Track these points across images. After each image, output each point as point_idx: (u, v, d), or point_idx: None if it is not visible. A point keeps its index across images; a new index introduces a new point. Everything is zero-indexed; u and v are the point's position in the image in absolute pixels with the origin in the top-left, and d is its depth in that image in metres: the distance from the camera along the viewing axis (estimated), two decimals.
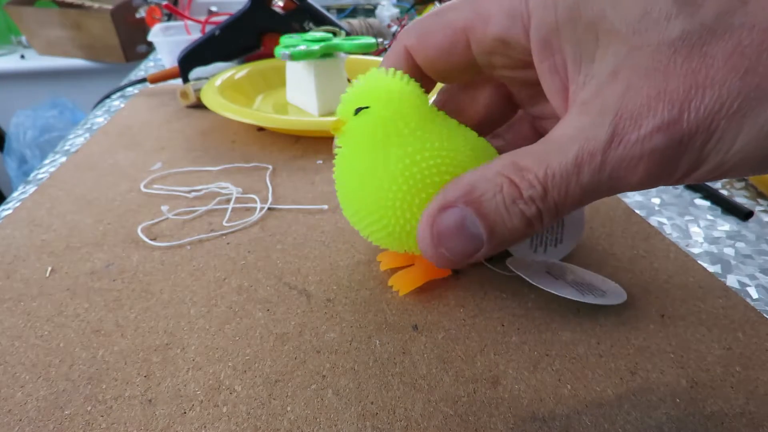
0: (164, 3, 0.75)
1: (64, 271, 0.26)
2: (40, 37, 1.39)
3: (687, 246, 0.29)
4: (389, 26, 0.77)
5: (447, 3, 0.19)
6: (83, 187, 0.34)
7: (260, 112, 0.41)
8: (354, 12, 0.97)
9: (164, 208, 0.31)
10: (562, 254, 0.26)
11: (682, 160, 0.13)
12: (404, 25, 0.75)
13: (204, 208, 0.31)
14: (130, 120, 0.48)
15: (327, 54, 0.45)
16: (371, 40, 0.45)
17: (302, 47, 0.43)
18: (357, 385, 0.19)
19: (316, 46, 0.44)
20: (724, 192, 0.35)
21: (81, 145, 0.42)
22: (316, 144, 0.42)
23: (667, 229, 0.31)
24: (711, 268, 0.27)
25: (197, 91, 0.49)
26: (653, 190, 0.35)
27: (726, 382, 0.20)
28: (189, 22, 0.69)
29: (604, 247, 0.28)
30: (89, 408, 0.19)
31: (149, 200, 0.33)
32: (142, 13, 0.78)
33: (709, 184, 0.35)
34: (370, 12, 0.97)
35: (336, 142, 0.21)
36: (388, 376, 0.20)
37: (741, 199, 0.34)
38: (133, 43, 1.37)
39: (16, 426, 0.18)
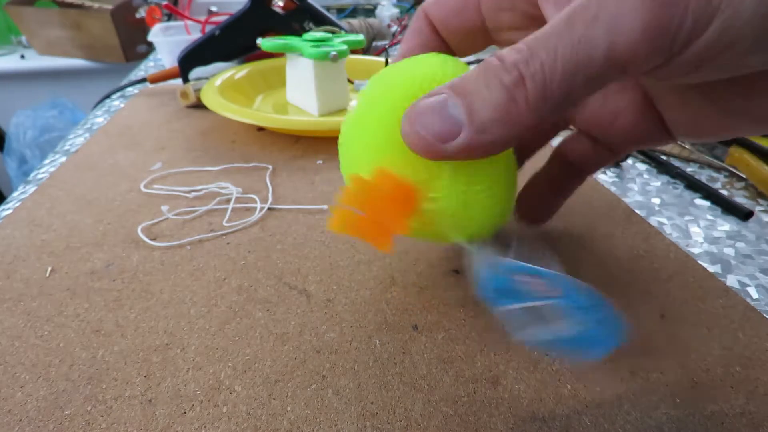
0: (164, 3, 0.75)
1: (64, 271, 0.26)
2: (40, 37, 1.39)
3: (687, 246, 0.29)
4: (389, 26, 0.77)
5: None
6: (83, 187, 0.34)
7: (260, 112, 0.41)
8: (354, 12, 0.97)
9: (164, 208, 0.31)
10: None
11: (686, 14, 0.12)
12: (405, 26, 0.75)
13: (204, 208, 0.31)
14: (130, 120, 0.48)
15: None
16: (359, 37, 0.47)
17: (280, 41, 0.45)
18: (357, 385, 0.19)
19: (281, 41, 0.46)
20: (724, 192, 0.35)
21: (81, 145, 0.42)
22: (316, 144, 0.42)
23: (667, 229, 0.31)
24: (711, 268, 0.27)
25: (197, 91, 0.49)
26: (653, 189, 0.35)
27: (726, 382, 0.20)
28: (189, 22, 0.69)
29: (604, 247, 0.28)
30: (89, 408, 0.19)
31: (149, 200, 0.33)
32: (142, 13, 0.78)
33: (709, 184, 0.35)
34: (370, 12, 0.97)
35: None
36: (388, 376, 0.20)
37: (741, 199, 0.34)
38: (133, 43, 1.37)
39: (16, 426, 0.18)
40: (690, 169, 0.38)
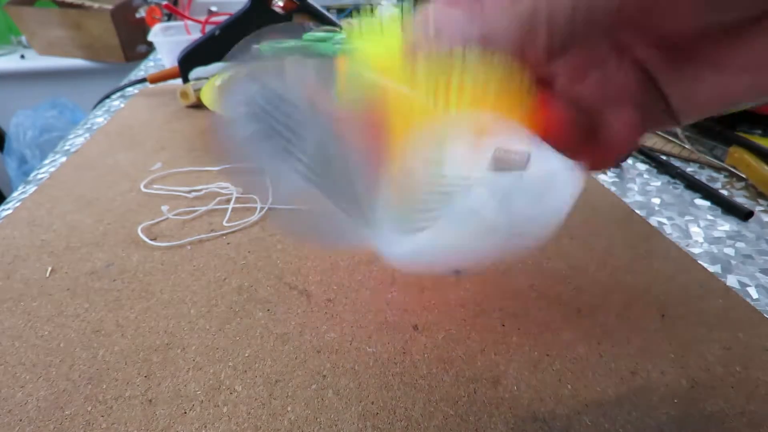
0: (164, 3, 0.75)
1: (64, 271, 0.26)
2: (40, 37, 1.39)
3: (687, 246, 0.29)
4: None
5: None
6: (83, 187, 0.34)
7: None
8: (354, 12, 0.97)
9: (164, 208, 0.31)
10: None
11: None
12: None
13: (204, 208, 0.31)
14: (130, 120, 0.48)
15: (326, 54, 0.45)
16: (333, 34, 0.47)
17: (277, 44, 0.44)
18: (357, 385, 0.19)
19: (291, 43, 0.44)
20: (724, 192, 0.35)
21: (81, 145, 0.42)
22: None
23: (667, 229, 0.31)
24: (711, 268, 0.27)
25: (197, 91, 0.49)
26: (653, 189, 0.35)
27: (726, 382, 0.20)
28: (189, 22, 0.69)
29: (604, 247, 0.28)
30: (89, 408, 0.19)
31: (149, 200, 0.33)
32: (142, 13, 0.78)
33: (709, 184, 0.35)
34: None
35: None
36: (389, 376, 0.20)
37: (741, 199, 0.34)
38: (133, 43, 1.37)
39: (17, 426, 0.18)
40: (690, 169, 0.38)
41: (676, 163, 0.39)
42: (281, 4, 0.54)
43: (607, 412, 0.18)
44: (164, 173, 0.36)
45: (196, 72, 0.53)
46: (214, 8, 0.72)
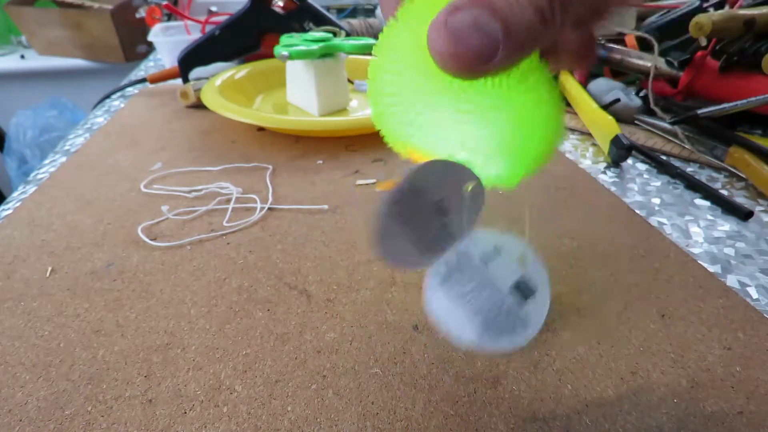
0: (164, 3, 0.75)
1: (64, 271, 0.26)
2: (40, 37, 1.39)
3: (687, 246, 0.29)
4: None
5: None
6: (83, 187, 0.34)
7: (260, 112, 0.41)
8: (354, 12, 0.97)
9: (164, 208, 0.31)
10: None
11: None
12: None
13: (204, 208, 0.31)
14: (130, 120, 0.48)
15: (327, 54, 0.45)
16: (371, 40, 0.45)
17: (301, 47, 0.43)
18: (357, 385, 0.19)
19: (315, 46, 0.44)
20: (724, 192, 0.35)
21: (81, 145, 0.42)
22: (316, 144, 0.42)
23: (667, 229, 0.31)
24: (711, 268, 0.27)
25: (197, 91, 0.49)
26: (653, 189, 0.35)
27: (726, 382, 0.20)
28: (189, 22, 0.69)
29: (604, 247, 0.28)
30: (90, 408, 0.19)
31: (149, 200, 0.33)
32: (142, 13, 0.78)
33: (709, 184, 0.35)
34: (370, 12, 0.97)
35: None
36: (389, 376, 0.20)
37: (741, 199, 0.34)
38: (133, 43, 1.37)
39: (17, 426, 0.18)
40: (690, 169, 0.38)
41: (676, 163, 0.39)
42: (281, 4, 0.54)
43: (607, 412, 0.18)
44: (164, 173, 0.36)
45: (196, 72, 0.53)
46: (214, 8, 0.72)
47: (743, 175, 0.36)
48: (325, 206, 0.32)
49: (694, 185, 0.35)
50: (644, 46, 0.49)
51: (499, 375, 0.20)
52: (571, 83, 0.49)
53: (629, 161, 0.40)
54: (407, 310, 0.23)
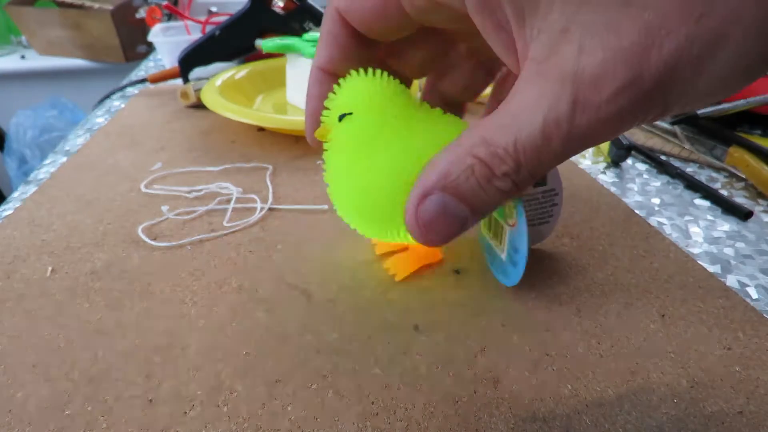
0: (164, 3, 0.75)
1: (64, 271, 0.26)
2: (40, 37, 1.39)
3: (687, 246, 0.29)
4: None
5: None
6: (83, 187, 0.34)
7: (260, 112, 0.41)
8: None
9: (164, 208, 0.31)
10: (554, 225, 0.26)
11: (648, 113, 0.13)
12: None
13: (204, 208, 0.31)
14: (130, 120, 0.48)
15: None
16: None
17: (277, 41, 0.45)
18: (358, 386, 0.19)
19: (290, 41, 0.45)
20: (724, 192, 0.35)
21: (81, 145, 0.42)
22: None
23: (667, 229, 0.31)
24: (711, 268, 0.27)
25: (197, 91, 0.49)
26: (653, 189, 0.35)
27: (726, 382, 0.20)
28: (189, 22, 0.69)
29: (604, 247, 0.28)
30: (90, 408, 0.19)
31: (149, 200, 0.33)
32: (142, 13, 0.78)
33: (708, 184, 0.35)
34: None
35: (324, 146, 0.22)
36: (389, 377, 0.20)
37: (741, 199, 0.34)
38: (133, 43, 1.37)
39: (17, 426, 0.18)
40: (690, 169, 0.38)
41: (676, 163, 0.39)
42: (281, 4, 0.54)
43: (607, 412, 0.18)
44: (164, 173, 0.36)
45: (196, 72, 0.53)
46: (214, 8, 0.72)
47: (743, 175, 0.36)
48: (326, 206, 0.32)
49: (694, 185, 0.35)
50: None
51: (499, 375, 0.20)
52: None
53: (629, 161, 0.40)
54: (408, 310, 0.23)
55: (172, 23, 0.71)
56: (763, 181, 0.34)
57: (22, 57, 1.47)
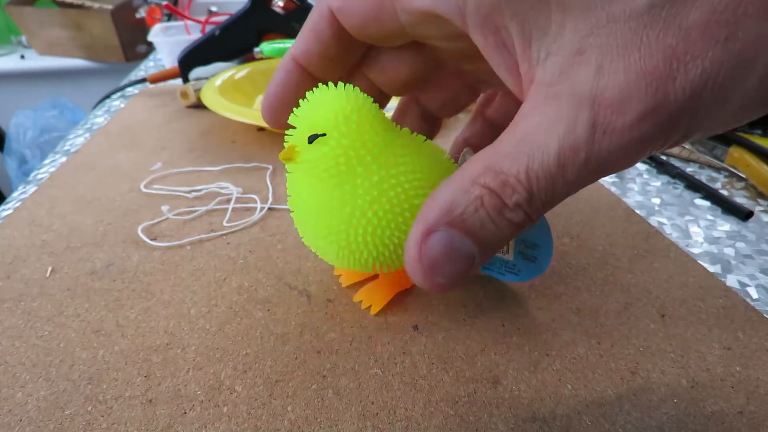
0: (164, 3, 0.75)
1: (64, 271, 0.26)
2: (40, 37, 1.39)
3: (687, 246, 0.29)
4: None
5: None
6: (83, 187, 0.34)
7: (260, 112, 0.41)
8: None
9: (164, 208, 0.31)
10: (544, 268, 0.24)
11: (669, 138, 0.13)
12: None
13: (204, 208, 0.31)
14: (130, 120, 0.48)
15: None
16: None
17: (277, 44, 0.44)
18: (357, 385, 0.19)
19: (290, 44, 0.44)
20: (724, 192, 0.35)
21: (81, 145, 0.42)
22: None
23: (667, 229, 0.31)
24: (711, 268, 0.27)
25: (197, 91, 0.49)
26: (653, 189, 0.35)
27: (726, 382, 0.20)
28: (189, 22, 0.69)
29: (604, 247, 0.28)
30: (90, 408, 0.19)
31: (149, 200, 0.33)
32: (142, 13, 0.78)
33: (709, 184, 0.35)
34: None
35: (288, 167, 0.20)
36: (389, 376, 0.20)
37: (741, 199, 0.34)
38: (133, 43, 1.37)
39: (17, 426, 0.18)
40: (690, 169, 0.38)
41: (676, 163, 0.39)
42: (281, 4, 0.54)
43: (607, 412, 0.18)
44: (164, 173, 0.36)
45: (196, 72, 0.53)
46: (214, 8, 0.72)
47: (743, 175, 0.36)
48: None
49: (694, 185, 0.35)
50: None
51: (499, 375, 0.20)
52: None
53: None
54: (407, 311, 0.23)
55: (172, 23, 0.71)
56: (763, 181, 0.34)
57: (22, 57, 1.47)
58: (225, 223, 0.30)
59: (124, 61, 1.37)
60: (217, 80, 0.49)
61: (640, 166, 0.39)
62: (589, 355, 0.21)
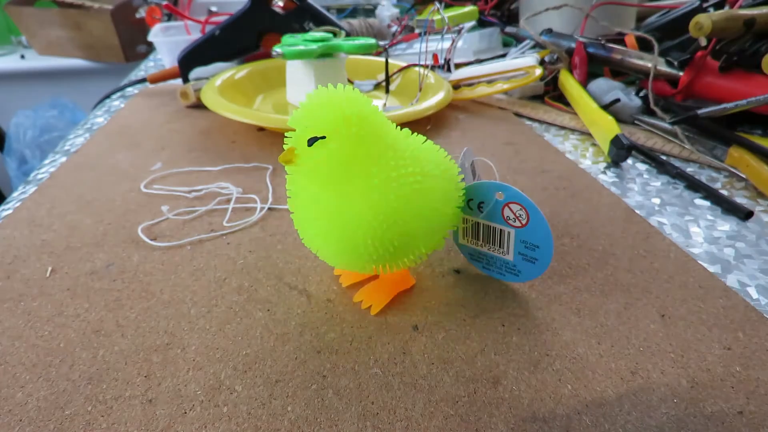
0: (164, 3, 0.75)
1: (64, 271, 0.26)
2: (40, 37, 1.39)
3: (687, 246, 0.29)
4: (389, 26, 0.76)
5: None
6: (83, 187, 0.34)
7: (260, 112, 0.41)
8: (354, 12, 0.97)
9: (164, 208, 0.31)
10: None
11: None
12: (405, 26, 0.75)
13: (204, 208, 0.31)
14: (130, 120, 0.48)
15: (326, 54, 0.45)
16: (371, 40, 0.45)
17: (300, 47, 0.43)
18: (357, 385, 0.19)
19: (314, 46, 0.44)
20: (724, 192, 0.35)
21: (81, 145, 0.42)
22: None
23: (667, 229, 0.31)
24: (711, 268, 0.27)
25: (197, 91, 0.49)
26: (653, 189, 0.35)
27: (726, 382, 0.20)
28: (189, 22, 0.69)
29: (604, 247, 0.28)
30: (90, 408, 0.19)
31: (149, 200, 0.33)
32: (142, 13, 0.78)
33: (709, 184, 0.35)
34: (370, 12, 0.97)
35: (288, 169, 0.20)
36: (389, 376, 0.20)
37: (741, 199, 0.34)
38: (133, 43, 1.37)
39: (17, 426, 0.18)
40: (690, 169, 0.38)
41: (676, 163, 0.39)
42: (281, 4, 0.54)
43: (607, 412, 0.18)
44: (164, 173, 0.36)
45: (196, 72, 0.53)
46: (214, 8, 0.72)
47: (743, 175, 0.36)
48: None
49: (694, 185, 0.35)
50: (644, 46, 0.49)
51: (499, 375, 0.20)
52: (571, 83, 0.49)
53: (629, 161, 0.40)
54: (407, 311, 0.23)
55: (172, 23, 0.71)
56: (763, 181, 0.34)
57: (22, 57, 1.47)
58: (225, 223, 0.30)
59: (124, 61, 1.37)
60: (217, 80, 0.49)
61: (640, 166, 0.39)
62: (589, 355, 0.21)
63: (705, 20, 0.39)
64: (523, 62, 0.51)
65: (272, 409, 0.19)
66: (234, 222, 0.30)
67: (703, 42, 0.41)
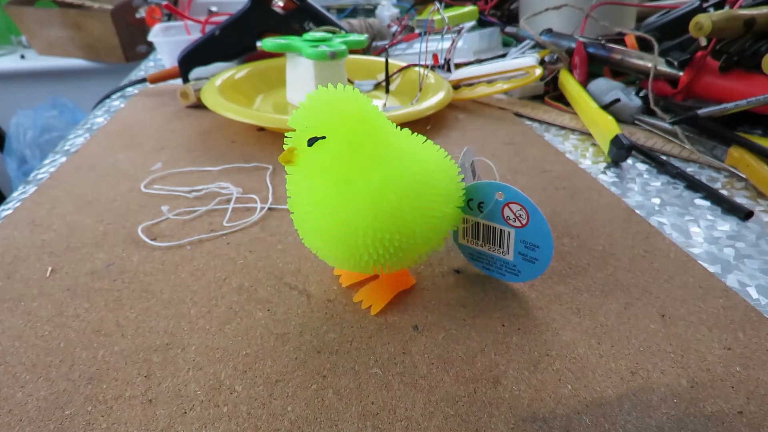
0: (164, 3, 0.75)
1: (64, 271, 0.26)
2: (40, 37, 1.39)
3: (687, 246, 0.29)
4: (389, 26, 0.76)
5: None
6: (83, 187, 0.34)
7: (260, 112, 0.41)
8: (354, 12, 0.97)
9: (164, 208, 0.31)
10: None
11: None
12: (405, 26, 0.75)
13: (204, 208, 0.31)
14: (130, 120, 0.48)
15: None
16: (362, 36, 0.46)
17: (278, 40, 0.45)
18: (357, 385, 0.19)
19: (283, 40, 0.46)
20: (724, 192, 0.35)
21: (81, 145, 0.42)
22: None
23: (667, 229, 0.31)
24: (711, 268, 0.27)
25: (197, 91, 0.49)
26: (653, 189, 0.35)
27: (726, 382, 0.20)
28: (189, 22, 0.69)
29: (604, 247, 0.28)
30: (90, 408, 0.19)
31: (149, 200, 0.33)
32: (142, 13, 0.78)
33: (709, 184, 0.35)
34: (370, 12, 0.97)
35: (288, 169, 0.20)
36: (389, 376, 0.20)
37: (741, 199, 0.34)
38: (133, 43, 1.37)
39: (17, 426, 0.18)
40: (690, 169, 0.38)
41: (676, 163, 0.39)
42: (281, 4, 0.54)
43: (607, 412, 0.18)
44: (164, 173, 0.36)
45: (196, 72, 0.53)
46: (214, 8, 0.72)
47: (743, 175, 0.36)
48: None
49: (694, 185, 0.35)
50: (644, 46, 0.49)
51: (499, 375, 0.20)
52: (571, 83, 0.49)
53: (629, 161, 0.40)
54: (408, 311, 0.23)
55: (172, 23, 0.71)
56: (763, 181, 0.34)
57: (22, 57, 1.47)
58: (225, 223, 0.30)
59: (124, 61, 1.37)
60: (217, 80, 0.49)
61: (640, 166, 0.39)
62: (589, 355, 0.21)
63: (705, 20, 0.39)
64: (523, 62, 0.51)
65: (272, 409, 0.19)
66: (234, 222, 0.30)
67: (703, 42, 0.41)
